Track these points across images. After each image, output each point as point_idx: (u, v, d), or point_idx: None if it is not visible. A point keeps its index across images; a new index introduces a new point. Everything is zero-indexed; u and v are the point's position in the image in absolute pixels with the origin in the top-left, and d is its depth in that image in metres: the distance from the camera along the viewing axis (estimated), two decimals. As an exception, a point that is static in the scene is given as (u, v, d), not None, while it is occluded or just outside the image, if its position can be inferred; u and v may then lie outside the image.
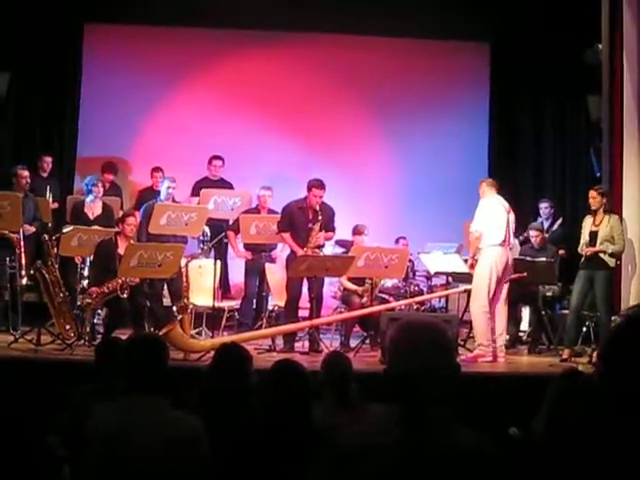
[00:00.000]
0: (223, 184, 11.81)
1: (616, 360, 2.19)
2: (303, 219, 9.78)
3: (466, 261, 9.90)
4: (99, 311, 9.61)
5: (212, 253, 10.60)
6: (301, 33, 12.96)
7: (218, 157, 11.99)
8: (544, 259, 10.27)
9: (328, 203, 9.97)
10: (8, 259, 9.85)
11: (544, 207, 11.52)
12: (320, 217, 9.69)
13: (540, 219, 11.41)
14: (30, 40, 12.26)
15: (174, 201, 10.56)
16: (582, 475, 2.28)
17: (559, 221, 11.61)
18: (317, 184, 9.73)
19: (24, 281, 9.50)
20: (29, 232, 9.86)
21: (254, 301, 10.75)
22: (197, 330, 10.12)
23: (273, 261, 10.81)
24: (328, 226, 9.92)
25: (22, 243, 9.65)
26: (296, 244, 9.72)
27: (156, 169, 11.94)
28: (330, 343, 9.85)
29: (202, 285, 10.22)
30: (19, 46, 12.17)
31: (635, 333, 2.16)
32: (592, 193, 9.53)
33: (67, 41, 12.64)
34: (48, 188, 11.00)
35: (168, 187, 10.50)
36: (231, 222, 10.72)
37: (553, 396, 3.50)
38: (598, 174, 11.12)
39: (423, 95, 13.24)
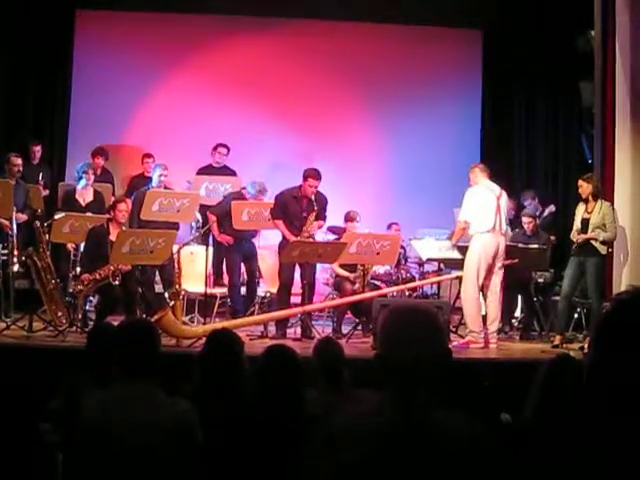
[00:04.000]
0: (226, 171, 11.82)
1: (607, 346, 2.20)
2: (297, 208, 9.76)
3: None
4: (91, 298, 9.61)
5: (204, 239, 10.57)
6: (296, 20, 12.93)
7: (223, 145, 11.99)
8: (536, 245, 10.29)
9: (321, 190, 9.95)
10: (0, 246, 9.83)
11: (528, 203, 11.54)
12: (315, 207, 9.68)
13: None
14: (22, 26, 12.22)
15: (166, 188, 10.54)
16: (571, 460, 2.29)
17: (551, 207, 11.62)
18: (314, 174, 9.70)
19: (15, 268, 9.47)
20: (21, 220, 9.83)
21: (240, 286, 10.69)
22: (189, 316, 10.13)
23: (255, 247, 10.73)
24: (320, 215, 9.91)
25: (14, 230, 9.62)
26: (289, 232, 9.70)
27: (147, 155, 11.96)
28: (322, 329, 9.87)
29: (194, 271, 10.23)
30: (10, 32, 12.14)
31: (623, 317, 2.17)
32: (579, 182, 9.57)
33: (59, 27, 12.59)
34: (41, 175, 10.97)
35: (160, 175, 10.49)
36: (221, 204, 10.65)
37: (543, 381, 3.51)
38: (590, 160, 11.13)
39: (416, 82, 13.23)
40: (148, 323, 4.78)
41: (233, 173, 11.88)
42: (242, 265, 10.59)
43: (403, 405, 2.47)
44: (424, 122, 13.09)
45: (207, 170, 11.73)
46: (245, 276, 10.64)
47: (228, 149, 11.98)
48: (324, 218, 10.08)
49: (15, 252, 9.46)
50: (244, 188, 10.68)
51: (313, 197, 9.71)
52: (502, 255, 9.32)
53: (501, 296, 9.43)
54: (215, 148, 11.97)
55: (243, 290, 10.70)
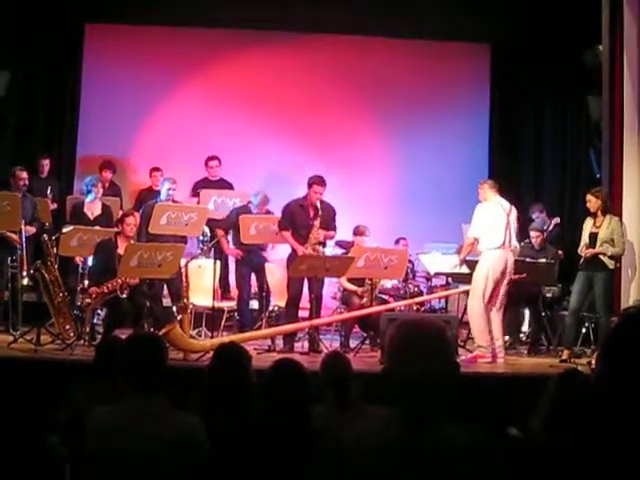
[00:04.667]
0: (223, 184, 11.81)
1: (615, 360, 2.20)
2: (304, 216, 9.80)
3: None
4: (99, 311, 9.61)
5: (212, 253, 10.59)
6: (300, 33, 12.97)
7: (214, 157, 12.00)
8: (544, 260, 10.27)
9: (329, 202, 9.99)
10: (9, 259, 9.85)
11: (536, 216, 11.50)
12: (320, 213, 9.71)
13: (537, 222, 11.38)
14: (31, 39, 12.27)
15: (174, 202, 10.55)
16: (579, 474, 2.29)
17: (555, 220, 11.59)
18: (318, 181, 9.75)
19: (25, 281, 9.47)
20: (30, 233, 9.83)
21: (249, 301, 10.71)
22: (197, 330, 10.12)
23: (264, 261, 10.75)
24: (329, 225, 9.93)
25: (24, 243, 9.63)
26: (297, 242, 9.73)
27: (155, 169, 11.95)
28: (330, 343, 9.84)
29: (202, 285, 10.22)
30: (20, 45, 12.17)
31: (631, 332, 2.17)
32: (588, 196, 9.53)
33: (68, 41, 12.65)
34: (49, 189, 10.99)
35: (169, 188, 10.48)
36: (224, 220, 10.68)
37: (551, 395, 3.50)
38: (598, 175, 11.12)
39: (424, 96, 13.25)
40: (156, 337, 4.79)
41: (230, 186, 11.88)
42: (252, 278, 10.62)
43: (411, 420, 2.47)
44: (432, 136, 13.08)
45: (203, 184, 11.73)
46: (256, 289, 10.68)
47: (219, 161, 11.98)
48: (334, 228, 10.08)
49: (25, 265, 9.47)
50: (250, 202, 10.71)
51: (319, 204, 9.73)
52: (510, 271, 9.29)
53: (503, 311, 9.39)
54: (206, 162, 11.99)
55: (252, 303, 10.71)
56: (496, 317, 9.24)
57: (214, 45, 12.99)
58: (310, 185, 9.77)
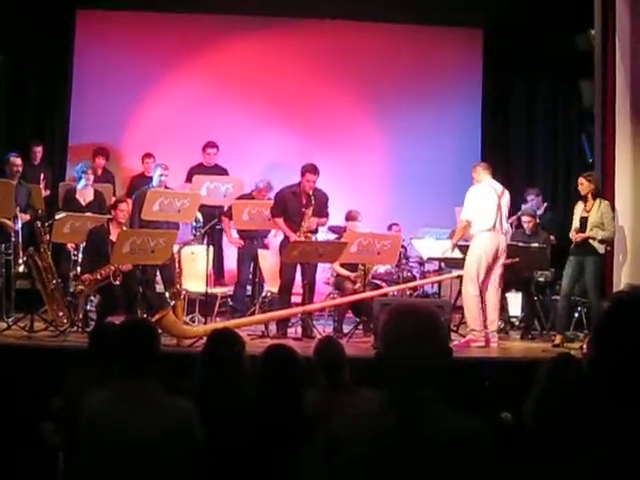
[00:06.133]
0: (218, 170, 11.79)
1: (606, 344, 2.20)
2: (296, 204, 9.79)
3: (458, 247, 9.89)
4: (92, 298, 9.61)
5: (205, 239, 10.60)
6: (296, 19, 12.93)
7: (212, 144, 11.98)
8: (536, 245, 10.28)
9: (322, 189, 9.98)
10: (3, 246, 9.82)
11: (531, 199, 11.48)
12: (313, 202, 9.71)
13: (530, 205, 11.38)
14: (22, 26, 12.20)
15: (166, 188, 10.54)
16: (570, 459, 2.30)
17: (545, 205, 11.60)
18: (311, 169, 9.75)
19: (20, 268, 9.46)
20: (24, 220, 9.79)
21: (247, 287, 10.79)
22: (190, 316, 10.12)
23: (266, 248, 10.82)
24: (322, 212, 9.93)
25: (19, 230, 9.60)
26: (289, 229, 9.73)
27: (147, 155, 11.94)
28: (323, 329, 9.86)
29: (195, 271, 10.23)
30: (11, 32, 12.10)
31: (622, 316, 2.17)
32: (580, 179, 9.55)
33: (59, 27, 12.58)
34: (42, 176, 10.96)
35: (160, 175, 10.47)
36: (226, 208, 10.73)
37: (543, 380, 3.51)
38: (590, 160, 11.12)
39: (417, 81, 13.22)
40: (149, 323, 4.79)
41: (224, 172, 11.86)
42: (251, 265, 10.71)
43: (404, 404, 2.47)
44: (425, 120, 13.07)
45: (198, 169, 11.71)
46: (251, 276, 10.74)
47: (217, 148, 11.97)
48: (326, 215, 10.09)
49: (20, 253, 9.45)
50: (254, 190, 10.74)
51: (311, 192, 9.73)
52: (503, 254, 9.30)
53: (500, 295, 9.41)
54: (204, 149, 11.97)
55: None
56: (491, 300, 9.25)
57: (206, 31, 12.94)
58: (303, 174, 9.76)
